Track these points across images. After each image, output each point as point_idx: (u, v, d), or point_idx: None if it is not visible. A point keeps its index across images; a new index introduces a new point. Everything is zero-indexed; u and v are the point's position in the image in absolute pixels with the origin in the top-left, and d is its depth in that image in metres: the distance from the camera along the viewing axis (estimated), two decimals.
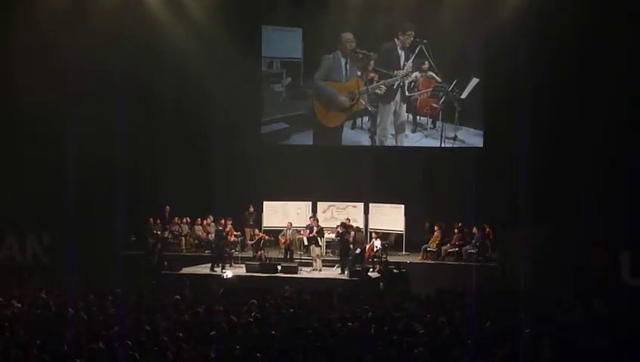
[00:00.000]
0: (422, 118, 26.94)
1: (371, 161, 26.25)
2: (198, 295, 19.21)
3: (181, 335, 14.23)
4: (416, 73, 26.76)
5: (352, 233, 23.47)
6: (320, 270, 23.68)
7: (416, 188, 25.39)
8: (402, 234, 25.37)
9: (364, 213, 25.63)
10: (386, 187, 25.56)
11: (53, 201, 25.15)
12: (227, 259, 24.04)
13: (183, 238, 26.08)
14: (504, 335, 14.45)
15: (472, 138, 26.42)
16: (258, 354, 13.05)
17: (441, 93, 26.52)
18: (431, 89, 26.62)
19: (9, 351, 13.31)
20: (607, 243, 22.99)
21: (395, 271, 22.67)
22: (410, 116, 27.03)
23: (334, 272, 23.61)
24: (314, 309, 17.15)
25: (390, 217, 25.54)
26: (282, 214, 25.86)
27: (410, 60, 26.67)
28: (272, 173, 26.12)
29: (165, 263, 24.25)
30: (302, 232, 24.69)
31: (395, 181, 25.73)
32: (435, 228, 24.87)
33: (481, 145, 26.30)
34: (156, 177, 26.37)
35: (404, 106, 26.98)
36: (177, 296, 18.01)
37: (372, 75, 27.07)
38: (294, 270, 23.30)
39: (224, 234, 24.18)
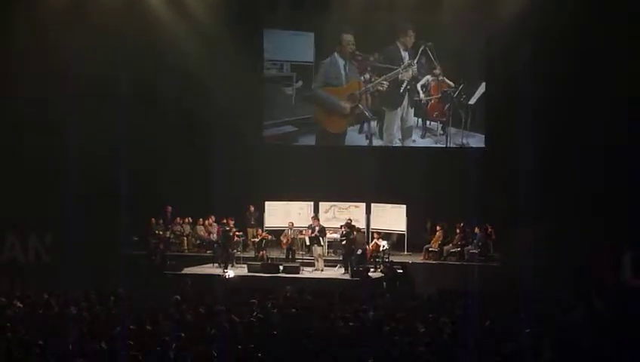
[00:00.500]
0: (432, 123, 26.90)
1: (373, 161, 26.22)
2: (200, 295, 19.24)
3: (183, 335, 14.26)
4: (428, 77, 26.73)
5: (355, 233, 23.50)
6: (322, 270, 23.71)
7: (418, 188, 25.32)
8: (404, 234, 25.40)
9: (366, 213, 25.63)
10: (387, 187, 25.54)
11: (55, 201, 25.15)
12: (231, 259, 24.08)
13: (185, 238, 26.09)
14: (505, 335, 14.49)
15: (478, 142, 26.47)
16: (260, 354, 13.07)
17: (448, 98, 26.54)
18: (440, 94, 26.61)
19: (12, 351, 13.34)
20: (609, 244, 23.00)
21: (399, 270, 22.68)
22: (420, 121, 26.97)
23: (336, 272, 23.64)
24: (316, 309, 17.18)
25: (392, 217, 25.56)
26: (284, 214, 25.87)
27: (415, 60, 26.67)
28: (274, 173, 26.13)
29: (168, 263, 24.28)
30: (304, 232, 24.72)
31: (397, 181, 25.71)
32: (437, 228, 24.88)
33: (482, 145, 26.32)
34: (158, 177, 26.37)
35: (412, 111, 26.95)
36: (177, 296, 18.05)
37: (372, 75, 27.07)
38: (296, 270, 23.33)
39: (230, 234, 24.25)
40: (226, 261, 23.85)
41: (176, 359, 13.04)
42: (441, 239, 24.69)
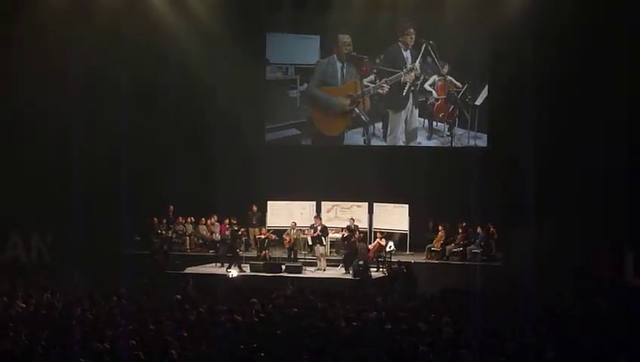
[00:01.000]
0: (439, 123, 26.86)
1: (375, 160, 26.24)
2: (202, 294, 19.26)
3: (185, 334, 14.28)
4: (435, 76, 26.71)
5: (355, 237, 23.54)
6: (324, 270, 23.73)
7: (420, 188, 25.33)
8: (406, 233, 25.41)
9: (369, 212, 25.64)
10: (390, 187, 25.57)
11: (57, 201, 25.17)
12: (238, 259, 24.11)
13: (188, 238, 26.12)
14: (507, 335, 14.50)
15: (481, 142, 26.44)
16: (262, 354, 13.09)
17: (453, 99, 26.53)
18: (446, 95, 26.57)
19: (15, 350, 13.36)
20: (611, 244, 23.01)
21: (404, 270, 22.70)
22: (425, 122, 26.93)
23: (339, 272, 23.66)
24: (318, 309, 17.19)
25: (394, 217, 25.56)
26: (286, 214, 25.88)
27: (418, 60, 26.68)
28: (277, 172, 26.15)
29: (171, 262, 24.29)
30: (306, 232, 24.74)
31: (399, 181, 25.72)
32: (440, 227, 24.88)
33: (485, 144, 26.32)
34: (160, 177, 26.39)
35: (417, 112, 26.91)
36: (178, 296, 18.08)
37: (372, 76, 27.06)
38: (298, 270, 23.34)
39: (238, 234, 24.27)
40: (233, 260, 23.86)
41: (179, 359, 13.04)
42: (443, 239, 24.69)
